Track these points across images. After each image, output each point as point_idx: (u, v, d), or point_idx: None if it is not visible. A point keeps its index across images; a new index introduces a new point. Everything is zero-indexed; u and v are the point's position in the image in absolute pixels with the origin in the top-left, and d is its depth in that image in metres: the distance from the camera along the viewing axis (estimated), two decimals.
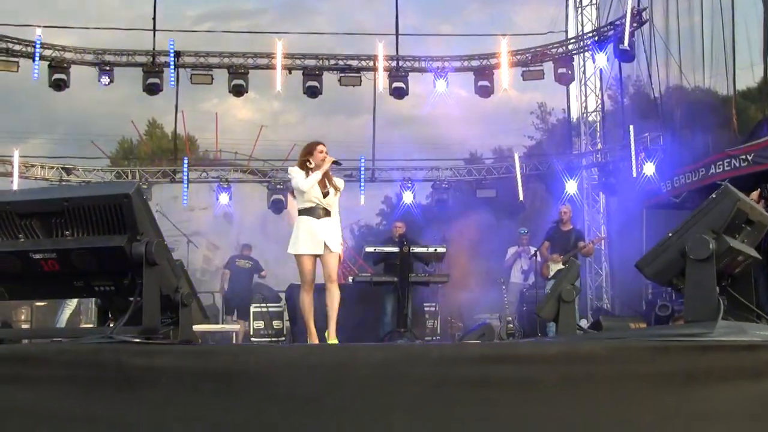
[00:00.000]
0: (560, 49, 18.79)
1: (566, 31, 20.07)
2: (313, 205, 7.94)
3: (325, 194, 7.99)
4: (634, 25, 17.34)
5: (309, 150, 8.13)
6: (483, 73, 18.51)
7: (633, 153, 16.89)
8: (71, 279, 3.93)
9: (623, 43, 17.11)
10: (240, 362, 3.40)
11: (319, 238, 7.84)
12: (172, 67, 17.96)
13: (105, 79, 17.81)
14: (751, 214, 4.10)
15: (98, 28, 19.35)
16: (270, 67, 18.37)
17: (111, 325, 4.09)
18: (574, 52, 18.95)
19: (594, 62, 18.61)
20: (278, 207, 18.44)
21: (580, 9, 19.79)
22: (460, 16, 21.46)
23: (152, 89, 17.95)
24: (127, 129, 26.38)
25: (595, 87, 19.49)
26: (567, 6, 20.27)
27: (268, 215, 19.34)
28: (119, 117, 21.27)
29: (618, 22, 17.68)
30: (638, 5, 17.48)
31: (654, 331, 4.21)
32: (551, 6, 20.34)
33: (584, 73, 19.57)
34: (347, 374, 3.34)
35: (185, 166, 18.53)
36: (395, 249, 11.13)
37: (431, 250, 11.46)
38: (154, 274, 3.77)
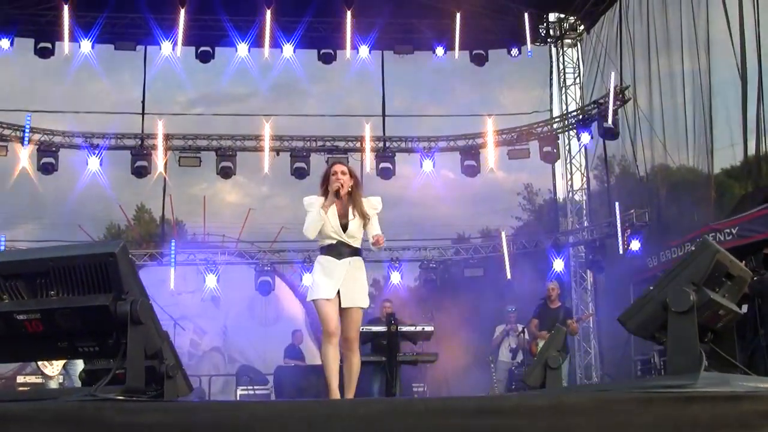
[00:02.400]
0: (545, 128, 19.14)
1: (551, 110, 20.43)
2: (333, 242, 6.69)
3: (346, 226, 6.68)
4: (618, 103, 17.65)
5: (325, 175, 6.86)
6: (469, 152, 18.79)
7: (619, 230, 17.00)
8: (55, 340, 3.91)
9: (607, 121, 17.43)
10: (227, 417, 3.39)
11: (335, 281, 6.61)
12: (161, 149, 18.13)
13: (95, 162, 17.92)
14: (731, 268, 4.16)
15: (88, 112, 19.54)
16: (258, 149, 18.58)
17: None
18: (559, 130, 19.30)
19: (579, 140, 18.88)
20: (266, 289, 18.42)
21: (564, 89, 20.26)
22: (449, 98, 21.72)
23: (140, 172, 18.09)
24: (115, 214, 26.42)
25: (581, 165, 19.72)
26: (551, 86, 20.68)
27: (256, 297, 19.31)
28: (107, 201, 21.26)
29: (602, 101, 18.02)
30: (621, 84, 17.81)
31: (638, 383, 4.21)
32: (537, 87, 20.65)
33: (569, 151, 19.81)
34: (333, 427, 3.33)
35: (173, 248, 18.55)
36: (383, 328, 11.05)
37: (419, 329, 11.35)
38: (139, 334, 3.77)
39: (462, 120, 20.09)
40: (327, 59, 18.94)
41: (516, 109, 20.65)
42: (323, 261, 6.70)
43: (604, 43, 18.84)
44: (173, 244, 18.79)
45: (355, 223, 6.71)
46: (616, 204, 17.40)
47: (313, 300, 6.71)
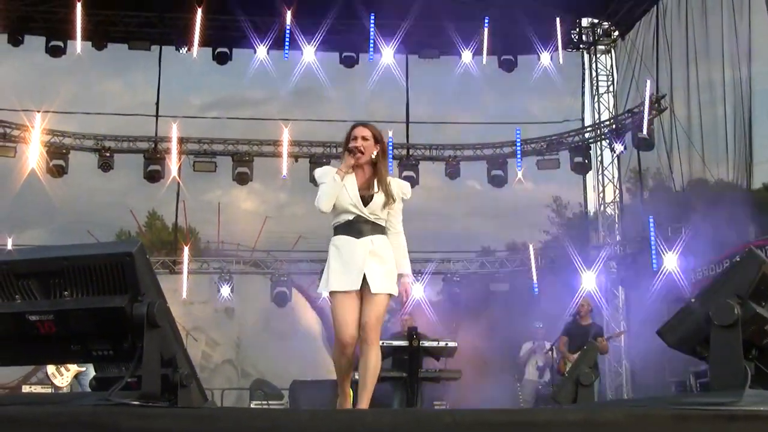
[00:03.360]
0: (576, 138, 19.13)
1: (582, 119, 20.34)
2: (351, 217, 5.73)
3: (368, 199, 5.74)
4: (653, 113, 17.59)
5: (347, 139, 5.95)
6: (496, 162, 18.78)
7: (653, 246, 16.91)
8: (68, 342, 3.92)
9: (642, 132, 17.36)
10: (244, 427, 3.38)
11: (357, 265, 5.63)
12: (175, 153, 18.22)
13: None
14: None
15: (99, 114, 19.65)
16: (276, 154, 18.65)
17: None
18: (591, 140, 19.26)
19: (612, 151, 18.84)
20: (282, 300, 18.42)
21: (596, 97, 20.20)
22: (476, 105, 21.73)
23: (153, 176, 18.18)
24: (126, 219, 26.56)
25: (613, 177, 19.65)
26: (583, 94, 20.59)
27: (272, 309, 19.33)
28: (118, 207, 21.41)
29: (636, 110, 17.96)
30: (657, 93, 17.72)
31: (677, 399, 4.18)
32: (568, 95, 20.59)
33: (601, 162, 19.78)
34: None
35: (185, 256, 18.60)
36: (404, 343, 11.00)
37: (442, 344, 11.32)
38: (156, 337, 3.77)
39: (489, 128, 20.20)
40: (349, 63, 18.99)
41: (546, 117, 20.79)
42: (339, 243, 5.74)
43: (640, 49, 18.74)
44: (186, 252, 18.83)
45: (379, 197, 5.76)
46: (650, 218, 17.30)
47: (327, 294, 5.84)
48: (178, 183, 18.81)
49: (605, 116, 19.82)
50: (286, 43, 18.28)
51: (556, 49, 18.99)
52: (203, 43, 18.47)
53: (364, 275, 5.61)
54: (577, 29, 20.40)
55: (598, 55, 20.52)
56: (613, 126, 18.79)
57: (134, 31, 18.65)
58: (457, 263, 19.36)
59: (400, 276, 5.81)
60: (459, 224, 21.82)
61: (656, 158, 18.63)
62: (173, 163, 18.24)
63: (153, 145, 18.52)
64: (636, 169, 19.39)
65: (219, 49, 18.82)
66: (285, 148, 18.47)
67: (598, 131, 19.38)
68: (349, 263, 5.65)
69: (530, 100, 22.30)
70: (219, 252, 22.93)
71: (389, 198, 5.78)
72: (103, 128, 18.99)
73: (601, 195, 19.76)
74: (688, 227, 17.01)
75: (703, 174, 17.70)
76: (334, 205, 5.72)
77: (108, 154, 18.16)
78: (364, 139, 5.85)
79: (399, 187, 5.94)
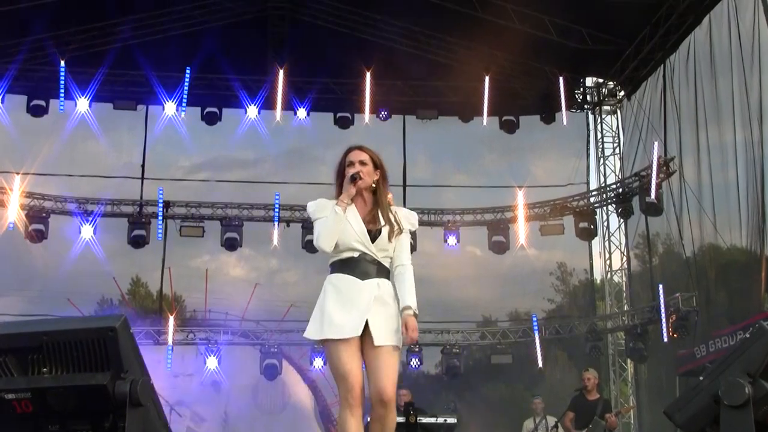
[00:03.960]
0: (581, 202, 19.24)
1: (587, 183, 20.44)
2: (355, 255, 5.11)
3: (375, 234, 5.14)
4: (662, 176, 17.66)
5: (340, 165, 5.38)
6: (498, 227, 18.87)
7: (663, 316, 16.88)
8: (46, 422, 3.92)
9: (650, 196, 17.44)
10: None
11: (361, 309, 4.97)
12: (161, 218, 18.32)
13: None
14: None
15: (82, 176, 19.68)
16: (267, 219, 18.76)
17: None
18: (597, 205, 19.40)
19: (618, 216, 18.94)
20: (272, 373, 18.33)
21: (602, 159, 20.39)
22: (477, 167, 21.80)
23: (138, 242, 18.21)
24: (109, 287, 26.43)
25: (620, 243, 19.73)
26: (588, 156, 20.73)
27: (261, 382, 19.22)
28: (100, 273, 21.29)
29: (644, 173, 18.04)
30: (665, 155, 17.79)
31: None
32: (573, 157, 20.63)
33: (608, 228, 19.91)
34: None
35: (171, 326, 18.51)
36: (401, 419, 10.93)
37: (441, 420, 11.28)
38: (138, 417, 3.78)
39: (490, 191, 20.07)
40: (344, 123, 19.12)
41: (549, 180, 20.57)
42: (340, 283, 5.08)
43: (647, 110, 18.85)
44: (171, 321, 18.75)
45: (386, 232, 5.16)
46: (660, 287, 17.30)
47: (321, 341, 5.10)
48: (164, 248, 18.90)
49: (611, 179, 20.00)
50: (278, 103, 18.51)
51: (560, 109, 19.12)
52: (191, 102, 18.64)
53: (366, 323, 4.94)
54: (581, 89, 20.59)
55: (603, 116, 20.70)
56: (620, 190, 18.90)
57: (120, 90, 18.83)
58: (456, 334, 19.27)
59: (403, 310, 5.06)
60: (458, 293, 21.72)
61: (665, 223, 18.66)
62: (159, 227, 18.30)
63: (138, 209, 18.60)
64: (644, 234, 19.37)
65: (208, 109, 18.99)
66: (276, 213, 18.53)
67: (604, 195, 19.53)
68: (350, 306, 4.98)
69: (533, 162, 22.36)
70: (206, 321, 22.80)
71: (396, 230, 5.19)
72: (85, 191, 19.04)
73: (608, 262, 19.82)
74: (700, 296, 17.02)
75: (715, 240, 17.68)
76: (337, 238, 5.11)
77: (90, 219, 18.19)
78: (362, 163, 5.28)
79: (405, 216, 5.35)
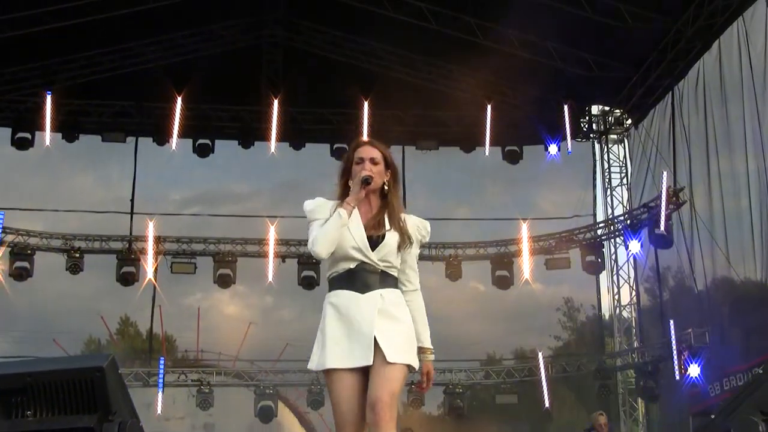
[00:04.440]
0: (588, 235, 19.28)
1: (594, 215, 20.42)
2: (353, 265, 4.59)
3: (376, 242, 4.60)
4: (671, 207, 17.59)
5: (347, 161, 4.80)
6: (501, 261, 18.88)
7: (675, 352, 16.80)
8: None
9: (659, 228, 17.34)
10: None
11: (366, 331, 4.43)
12: (151, 254, 18.26)
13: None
14: None
15: (69, 211, 19.68)
16: (261, 254, 18.76)
17: None
18: (604, 237, 19.45)
19: (627, 249, 18.89)
20: (267, 415, 18.24)
21: (609, 190, 20.38)
22: (479, 199, 21.79)
23: (127, 279, 18.19)
24: (96, 326, 26.39)
25: (629, 277, 19.71)
26: (595, 187, 20.72)
27: (256, 425, 19.11)
28: (87, 312, 21.27)
29: (653, 204, 18.00)
30: (675, 185, 17.72)
31: None
32: (578, 187, 20.64)
33: (616, 261, 19.92)
34: None
35: (161, 367, 18.43)
36: None
37: None
38: None
39: (493, 224, 20.08)
40: (341, 155, 19.04)
41: (555, 212, 20.58)
42: (339, 301, 4.59)
43: (655, 138, 18.83)
44: (162, 362, 18.70)
45: (392, 239, 4.63)
46: (671, 322, 17.25)
47: (319, 371, 4.60)
48: (154, 286, 18.83)
49: (619, 211, 19.99)
50: (273, 134, 18.49)
51: (565, 138, 19.05)
52: (183, 134, 18.58)
53: (376, 341, 4.41)
54: (587, 117, 20.60)
55: (609, 145, 20.71)
56: (628, 222, 18.87)
57: (108, 122, 18.87)
58: (459, 373, 19.22)
59: (419, 350, 4.64)
60: (461, 330, 21.66)
61: (676, 256, 18.57)
62: (149, 264, 18.28)
63: (127, 245, 18.61)
64: (654, 267, 19.30)
65: (200, 141, 19.00)
66: (271, 248, 18.52)
67: (612, 227, 19.55)
68: (354, 329, 4.47)
69: (538, 194, 22.35)
70: (198, 362, 22.77)
71: (405, 239, 4.66)
72: (72, 227, 19.03)
73: (617, 297, 19.77)
74: (713, 332, 16.95)
75: (728, 273, 17.60)
76: (335, 247, 4.59)
77: (77, 255, 18.18)
78: (373, 162, 4.72)
79: (416, 226, 4.81)
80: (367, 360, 4.38)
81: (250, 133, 19.03)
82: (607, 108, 20.64)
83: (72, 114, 18.50)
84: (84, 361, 4.00)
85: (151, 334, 21.88)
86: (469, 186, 21.94)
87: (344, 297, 4.55)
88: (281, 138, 18.76)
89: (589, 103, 20.59)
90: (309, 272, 18.25)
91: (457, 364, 19.66)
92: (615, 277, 19.80)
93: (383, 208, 4.72)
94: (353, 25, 17.90)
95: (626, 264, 19.71)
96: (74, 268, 18.17)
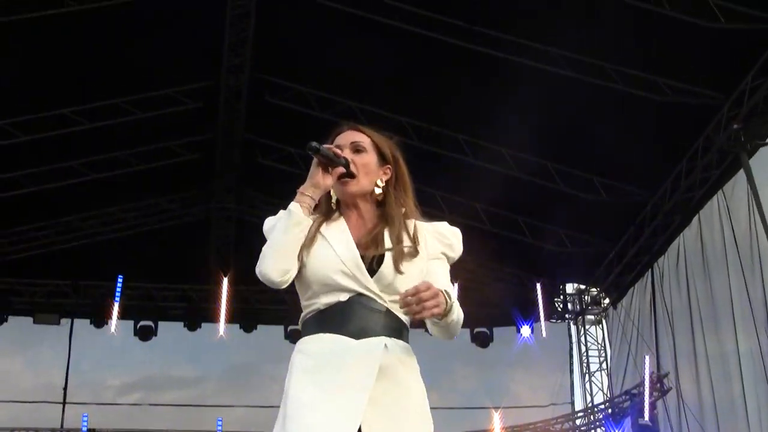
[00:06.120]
0: (566, 425, 18.72)
1: (572, 403, 19.84)
2: (343, 298, 3.13)
3: (374, 263, 3.16)
4: (656, 395, 17.05)
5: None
6: None
7: None
8: None
9: (643, 417, 16.79)
10: None
11: (353, 393, 2.96)
12: None
13: None
14: None
15: None
16: None
17: None
18: (583, 427, 18.78)
19: None
20: None
21: (588, 376, 19.82)
22: (447, 384, 21.21)
23: None
24: None
25: None
26: (572, 371, 20.18)
27: None
28: None
29: (635, 391, 17.40)
30: (658, 370, 17.17)
31: None
32: (555, 371, 20.10)
33: None
34: None
35: None
36: None
37: None
38: None
39: (462, 413, 19.37)
40: (295, 337, 18.37)
41: (529, 399, 20.21)
42: (313, 348, 3.12)
43: (635, 319, 18.30)
44: None
45: (396, 256, 3.20)
46: None
47: None
48: None
49: (599, 398, 19.48)
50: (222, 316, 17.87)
51: (538, 320, 18.81)
52: (123, 315, 18.08)
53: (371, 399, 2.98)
54: (562, 296, 20.30)
55: (586, 326, 20.29)
56: (609, 410, 18.31)
57: (41, 302, 18.35)
58: None
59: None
60: None
61: None
62: None
63: None
64: None
65: (142, 323, 18.61)
66: None
67: (592, 416, 18.94)
68: (336, 391, 2.96)
69: (512, 378, 21.79)
70: None
71: (411, 249, 3.26)
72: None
73: None
74: None
75: None
76: (304, 275, 3.16)
77: None
78: (355, 149, 3.33)
79: (437, 233, 3.47)
80: (350, 428, 2.88)
81: (197, 314, 18.62)
82: (582, 287, 20.27)
83: (2, 294, 18.05)
84: None
85: None
86: (436, 369, 21.25)
87: (326, 344, 3.05)
88: (231, 319, 18.15)
89: (563, 282, 20.31)
90: None
91: None
92: None
93: (382, 220, 3.31)
94: None
95: None
96: None
